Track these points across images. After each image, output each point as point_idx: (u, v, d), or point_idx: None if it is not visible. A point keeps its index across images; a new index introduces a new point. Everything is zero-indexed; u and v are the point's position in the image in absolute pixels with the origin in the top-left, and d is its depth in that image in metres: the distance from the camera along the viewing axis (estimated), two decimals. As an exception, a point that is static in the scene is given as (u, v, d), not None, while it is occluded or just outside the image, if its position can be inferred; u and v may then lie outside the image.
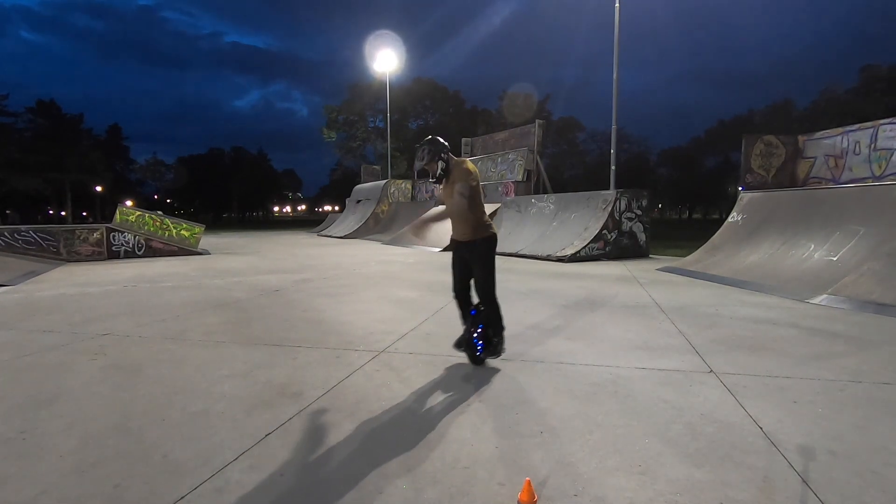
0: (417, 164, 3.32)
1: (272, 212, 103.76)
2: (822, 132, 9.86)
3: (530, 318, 5.02)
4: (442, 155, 3.25)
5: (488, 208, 15.73)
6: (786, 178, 10.08)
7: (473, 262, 3.34)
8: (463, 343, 3.47)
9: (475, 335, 3.41)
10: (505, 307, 5.50)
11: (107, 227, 12.20)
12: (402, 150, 45.64)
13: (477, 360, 3.46)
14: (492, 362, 3.55)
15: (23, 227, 11.56)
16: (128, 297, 6.45)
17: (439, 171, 3.27)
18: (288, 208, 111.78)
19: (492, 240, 3.34)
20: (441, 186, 3.40)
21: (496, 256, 3.38)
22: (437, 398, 2.90)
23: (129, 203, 27.69)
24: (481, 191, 3.37)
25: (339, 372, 3.36)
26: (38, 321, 5.04)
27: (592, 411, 2.68)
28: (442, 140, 3.30)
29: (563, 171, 54.05)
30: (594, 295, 6.47)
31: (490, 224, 3.36)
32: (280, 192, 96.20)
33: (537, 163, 16.42)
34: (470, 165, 3.28)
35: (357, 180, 33.05)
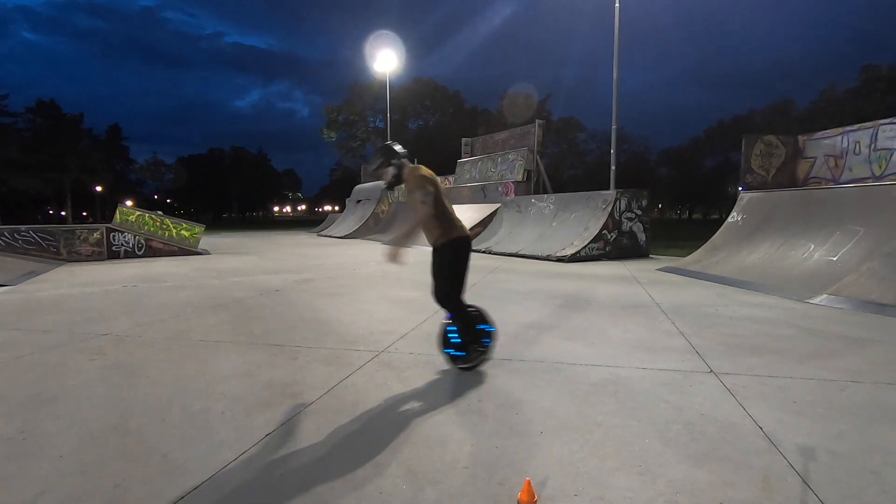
0: (369, 170, 3.29)
1: (272, 212, 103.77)
2: (822, 132, 9.86)
3: (530, 318, 5.02)
4: (393, 161, 3.18)
5: (488, 208, 15.79)
6: (786, 178, 10.08)
7: (434, 265, 3.24)
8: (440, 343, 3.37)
9: (449, 338, 3.30)
10: (505, 307, 5.54)
11: (107, 227, 12.20)
12: (402, 151, 45.54)
13: (456, 363, 3.35)
14: (494, 362, 3.55)
15: (23, 227, 11.55)
16: (128, 297, 6.45)
17: (391, 177, 3.21)
18: (288, 208, 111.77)
19: (456, 243, 3.19)
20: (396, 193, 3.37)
21: (462, 264, 3.24)
22: (437, 398, 2.90)
23: (129, 203, 27.68)
24: (444, 194, 3.23)
25: (339, 372, 3.36)
26: (38, 321, 5.04)
27: (592, 411, 2.68)
28: (396, 147, 3.24)
29: (563, 171, 54.02)
30: (594, 295, 6.46)
31: (457, 227, 3.22)
32: (280, 192, 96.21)
33: (537, 163, 16.42)
34: (424, 171, 3.15)
35: (357, 180, 33.06)
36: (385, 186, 3.27)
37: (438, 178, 3.28)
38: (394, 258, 3.09)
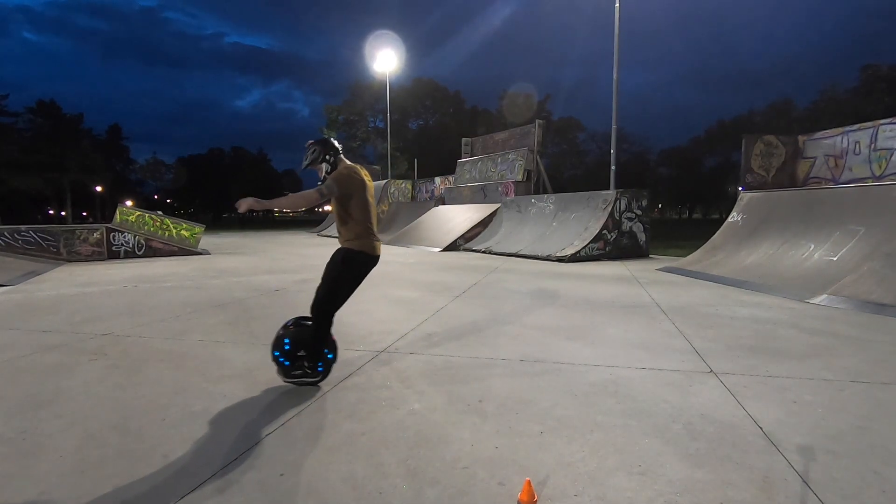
0: (303, 164, 3.09)
1: (272, 212, 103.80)
2: (822, 132, 9.86)
3: (530, 318, 5.02)
4: (327, 157, 3.00)
5: (488, 208, 15.79)
6: (786, 178, 10.08)
7: (327, 265, 2.97)
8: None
9: (284, 343, 3.00)
10: (505, 307, 5.54)
11: (107, 227, 12.20)
12: (402, 151, 45.70)
13: (279, 372, 3.05)
14: (493, 361, 3.56)
15: (23, 227, 11.55)
16: (128, 297, 6.45)
17: (324, 173, 3.01)
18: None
19: (353, 254, 2.93)
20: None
21: (350, 278, 2.97)
22: (437, 398, 2.90)
23: (129, 203, 27.68)
24: (369, 203, 3.02)
25: (339, 372, 3.36)
26: (38, 321, 5.04)
27: (592, 411, 2.68)
28: (333, 141, 3.10)
29: (563, 171, 54.04)
30: (594, 295, 6.46)
31: (364, 237, 2.96)
32: (280, 193, 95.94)
33: (537, 163, 16.42)
34: (356, 174, 2.97)
35: (357, 180, 32.98)
36: (319, 183, 3.04)
37: (371, 185, 3.10)
38: (242, 205, 2.75)
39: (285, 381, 3.08)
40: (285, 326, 3.09)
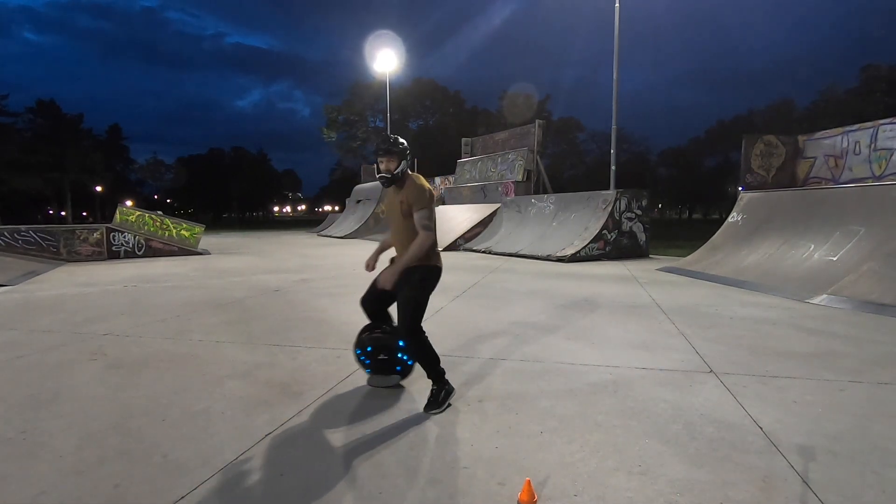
0: (380, 151, 2.84)
1: (272, 212, 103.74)
2: (822, 132, 9.85)
3: (530, 318, 5.02)
4: (403, 163, 2.83)
5: (488, 208, 15.78)
6: (786, 178, 10.08)
7: (400, 285, 2.81)
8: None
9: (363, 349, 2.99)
10: (505, 307, 5.54)
11: (107, 227, 12.20)
12: (402, 151, 45.60)
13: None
14: (493, 361, 3.55)
15: (23, 227, 11.56)
16: (128, 297, 6.45)
17: (392, 174, 2.81)
18: (288, 208, 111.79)
19: (430, 271, 2.84)
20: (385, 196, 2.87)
21: (429, 294, 2.88)
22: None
23: (129, 203, 27.70)
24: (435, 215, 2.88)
25: (339, 372, 3.36)
26: (38, 321, 5.04)
27: (592, 411, 2.68)
28: (407, 145, 2.91)
29: (563, 171, 53.98)
30: (594, 295, 6.46)
31: (436, 254, 2.89)
32: (280, 192, 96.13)
33: (537, 163, 16.41)
34: (426, 184, 2.84)
35: (357, 180, 33.08)
36: (381, 181, 2.88)
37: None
38: (387, 284, 2.77)
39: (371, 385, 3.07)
40: (365, 331, 3.02)
